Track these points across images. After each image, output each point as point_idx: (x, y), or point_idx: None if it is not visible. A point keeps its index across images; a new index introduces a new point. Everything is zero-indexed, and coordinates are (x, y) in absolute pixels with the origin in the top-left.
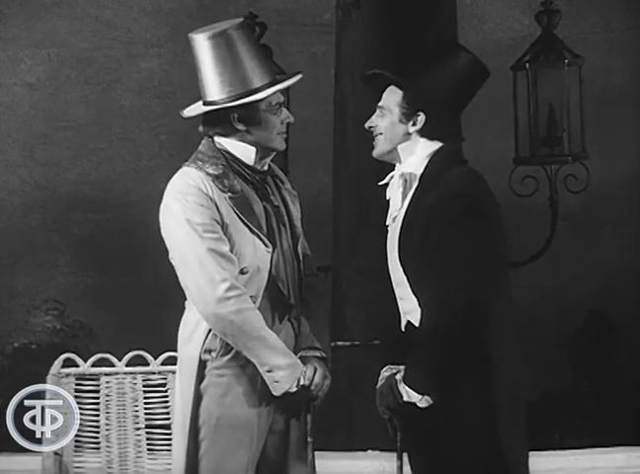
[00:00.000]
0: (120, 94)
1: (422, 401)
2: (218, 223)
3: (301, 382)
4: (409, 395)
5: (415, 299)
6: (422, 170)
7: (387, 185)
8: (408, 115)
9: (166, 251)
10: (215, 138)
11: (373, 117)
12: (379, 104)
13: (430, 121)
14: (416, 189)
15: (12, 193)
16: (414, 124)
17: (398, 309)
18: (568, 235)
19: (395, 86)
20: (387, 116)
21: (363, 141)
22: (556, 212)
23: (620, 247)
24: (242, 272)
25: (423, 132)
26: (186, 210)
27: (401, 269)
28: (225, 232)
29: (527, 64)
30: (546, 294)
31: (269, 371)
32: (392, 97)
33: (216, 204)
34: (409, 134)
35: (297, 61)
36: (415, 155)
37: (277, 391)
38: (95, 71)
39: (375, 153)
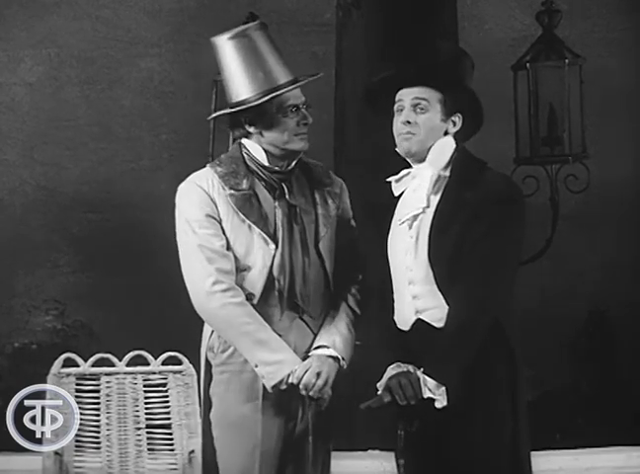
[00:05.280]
0: (120, 94)
1: (439, 401)
2: (215, 219)
3: (290, 380)
4: (431, 391)
5: (437, 298)
6: (449, 169)
7: (391, 184)
8: (448, 114)
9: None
10: (242, 140)
11: (408, 112)
12: (417, 98)
13: (465, 122)
14: (448, 188)
15: (12, 193)
16: (454, 125)
17: (393, 309)
18: (568, 235)
19: (429, 87)
20: (429, 111)
21: (364, 141)
22: (557, 212)
23: (620, 247)
24: (240, 268)
25: (456, 133)
26: (186, 208)
27: (427, 266)
28: (222, 228)
29: (528, 64)
30: (547, 294)
31: (256, 366)
32: (431, 94)
33: (215, 201)
34: (446, 134)
35: (298, 61)
36: (443, 155)
37: (267, 386)
38: (95, 71)
39: (406, 150)
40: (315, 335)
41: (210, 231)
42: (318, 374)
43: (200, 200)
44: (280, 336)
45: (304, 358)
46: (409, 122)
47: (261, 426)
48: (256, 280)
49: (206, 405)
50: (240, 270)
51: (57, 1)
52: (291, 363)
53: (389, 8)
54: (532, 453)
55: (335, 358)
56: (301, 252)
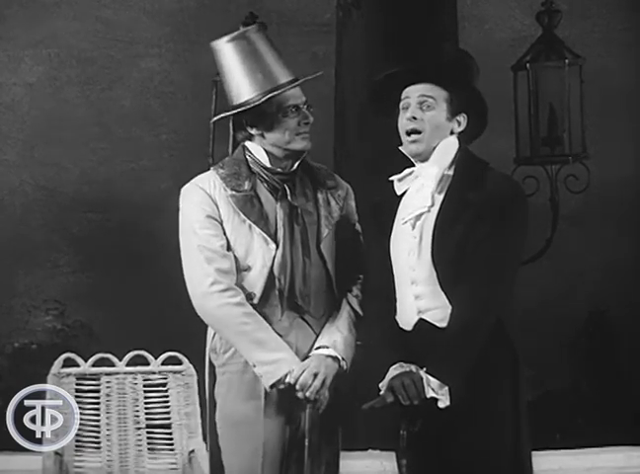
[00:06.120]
0: (120, 94)
1: (442, 401)
2: (216, 220)
3: (287, 380)
4: (435, 391)
5: (439, 298)
6: (453, 169)
7: (392, 183)
8: (453, 113)
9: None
10: (245, 143)
11: (415, 108)
12: (423, 96)
13: (469, 123)
14: (451, 188)
15: (12, 193)
16: (459, 125)
17: (396, 308)
18: (569, 235)
19: (436, 85)
20: (434, 109)
21: (364, 141)
22: (557, 213)
23: (620, 247)
24: (240, 268)
25: (461, 133)
26: (188, 209)
27: (431, 266)
28: (223, 229)
29: (528, 64)
30: (547, 294)
31: (254, 366)
32: (438, 92)
33: (216, 202)
34: (451, 133)
35: (298, 61)
36: (448, 154)
37: (265, 385)
38: (95, 71)
39: (414, 151)
40: (317, 335)
41: (211, 231)
42: (315, 375)
43: (200, 201)
44: (280, 336)
45: (305, 359)
46: (415, 118)
47: (263, 426)
48: (256, 280)
49: (212, 406)
50: (241, 270)
51: (57, 1)
52: (289, 362)
53: (389, 8)
54: (533, 453)
55: (334, 359)
56: (302, 252)
